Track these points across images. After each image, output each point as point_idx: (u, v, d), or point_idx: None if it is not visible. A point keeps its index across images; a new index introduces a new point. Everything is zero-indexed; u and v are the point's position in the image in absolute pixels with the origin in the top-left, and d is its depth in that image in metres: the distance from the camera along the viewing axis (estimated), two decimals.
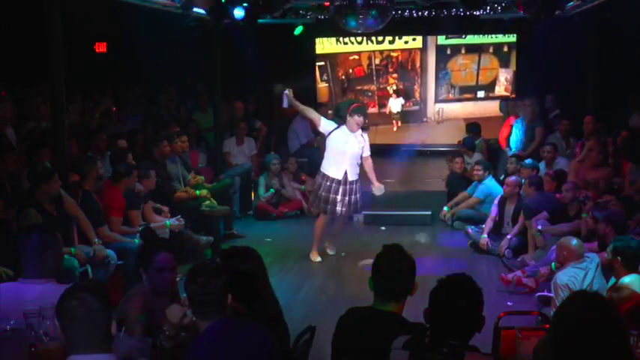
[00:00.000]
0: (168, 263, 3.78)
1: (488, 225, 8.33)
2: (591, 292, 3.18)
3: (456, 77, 14.19)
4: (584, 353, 2.46)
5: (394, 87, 14.28)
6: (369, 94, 14.42)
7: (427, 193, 10.69)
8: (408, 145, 13.73)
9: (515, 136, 10.81)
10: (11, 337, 2.99)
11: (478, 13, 10.78)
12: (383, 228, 9.48)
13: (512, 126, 11.01)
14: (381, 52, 14.25)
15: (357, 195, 7.83)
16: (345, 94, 13.95)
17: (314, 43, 13.96)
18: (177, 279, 4.05)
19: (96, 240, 6.36)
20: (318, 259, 7.99)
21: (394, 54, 14.26)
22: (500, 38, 13.68)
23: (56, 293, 2.66)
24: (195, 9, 9.06)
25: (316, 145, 11.48)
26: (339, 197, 7.72)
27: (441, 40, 14.04)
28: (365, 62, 14.32)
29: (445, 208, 9.64)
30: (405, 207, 10.01)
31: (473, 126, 11.48)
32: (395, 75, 14.32)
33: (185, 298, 3.26)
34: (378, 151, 12.77)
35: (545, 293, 5.80)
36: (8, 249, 5.00)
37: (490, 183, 9.16)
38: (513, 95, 13.28)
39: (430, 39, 14.04)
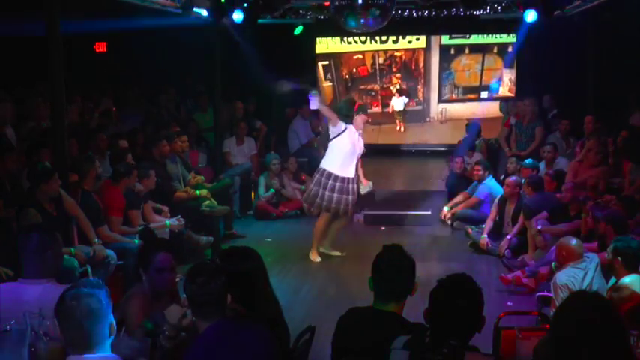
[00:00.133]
0: (168, 263, 3.78)
1: (488, 225, 8.33)
2: (591, 292, 3.19)
3: (460, 77, 14.20)
4: (584, 353, 2.46)
5: (397, 86, 14.30)
6: (373, 93, 14.47)
7: (427, 193, 10.69)
8: (409, 145, 13.75)
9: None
10: (11, 337, 2.99)
11: (478, 13, 10.78)
12: (383, 228, 9.48)
13: (512, 126, 11.03)
14: (385, 51, 14.30)
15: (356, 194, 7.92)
16: (349, 93, 13.98)
17: (314, 43, 13.99)
18: (177, 279, 4.05)
19: (96, 240, 6.36)
20: (318, 259, 8.00)
21: (398, 54, 14.29)
22: (504, 38, 13.67)
23: (56, 293, 2.66)
24: (195, 9, 9.06)
25: (316, 145, 11.49)
26: (345, 197, 7.77)
27: (445, 40, 14.06)
28: (369, 62, 14.36)
29: (445, 208, 9.63)
30: (405, 207, 10.01)
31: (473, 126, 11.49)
32: (398, 75, 14.36)
33: (185, 298, 3.26)
34: (380, 151, 12.83)
35: (545, 293, 5.79)
36: (8, 249, 5.01)
37: (490, 183, 9.16)
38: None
39: (434, 39, 14.06)
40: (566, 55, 11.48)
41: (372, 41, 14.13)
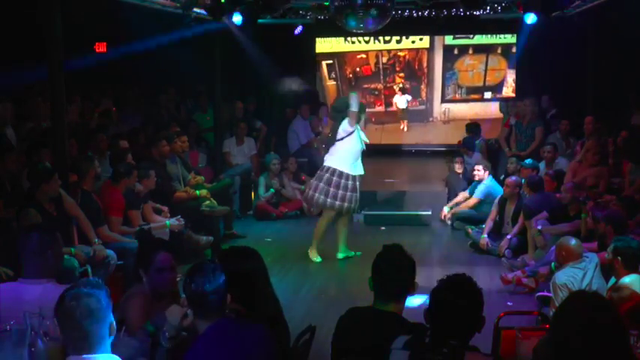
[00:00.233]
0: (168, 263, 3.78)
1: (488, 225, 8.33)
2: (590, 292, 3.19)
3: (463, 77, 14.21)
4: (584, 353, 2.46)
5: (400, 85, 14.33)
6: (376, 92, 14.50)
7: (427, 193, 10.69)
8: (411, 146, 13.74)
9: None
10: (11, 337, 2.99)
11: (478, 13, 10.78)
12: (383, 228, 9.48)
13: (512, 126, 11.03)
14: (389, 51, 14.35)
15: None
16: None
17: (314, 43, 14.00)
18: (177, 279, 4.05)
19: (96, 240, 6.36)
20: (319, 258, 7.98)
21: (401, 53, 14.33)
22: (508, 39, 13.67)
23: (56, 293, 2.66)
24: (195, 9, 9.06)
25: (316, 145, 11.49)
26: (355, 195, 7.82)
27: (449, 40, 14.08)
28: (372, 61, 14.42)
29: (445, 208, 9.64)
30: (405, 207, 10.01)
31: (473, 126, 11.49)
32: (402, 74, 14.39)
33: (184, 298, 3.26)
34: (382, 151, 12.82)
35: (545, 293, 5.79)
36: (8, 249, 5.01)
37: (490, 183, 9.15)
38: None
39: (437, 39, 14.08)
40: (566, 55, 11.47)
41: (376, 41, 14.17)
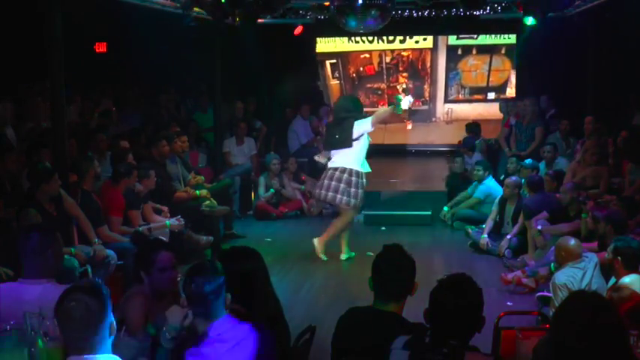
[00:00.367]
0: (170, 262, 3.78)
1: (488, 225, 8.33)
2: (590, 292, 3.18)
3: (467, 78, 14.20)
4: (583, 353, 2.46)
5: (404, 86, 14.32)
6: (379, 92, 14.50)
7: (427, 193, 10.69)
8: (414, 146, 13.73)
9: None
10: (11, 337, 2.99)
11: (478, 13, 10.77)
12: (383, 228, 9.48)
13: (512, 126, 11.03)
14: (392, 51, 14.34)
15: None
16: (356, 92, 14.01)
17: (314, 43, 14.00)
18: (178, 279, 4.05)
19: (96, 240, 6.36)
20: (325, 257, 7.96)
21: (405, 53, 14.33)
22: (512, 39, 13.65)
23: (56, 293, 2.66)
24: (195, 9, 9.06)
25: (316, 145, 11.49)
26: (361, 192, 7.83)
27: (452, 40, 14.06)
28: (376, 61, 14.41)
29: (445, 208, 9.64)
30: (405, 207, 10.01)
31: (473, 126, 11.49)
32: (405, 74, 14.38)
33: (184, 298, 3.26)
34: (385, 151, 12.81)
35: (545, 293, 5.79)
36: (8, 249, 5.00)
37: (490, 183, 9.16)
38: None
39: (441, 39, 14.06)
40: (566, 55, 11.47)
41: (380, 41, 14.17)
